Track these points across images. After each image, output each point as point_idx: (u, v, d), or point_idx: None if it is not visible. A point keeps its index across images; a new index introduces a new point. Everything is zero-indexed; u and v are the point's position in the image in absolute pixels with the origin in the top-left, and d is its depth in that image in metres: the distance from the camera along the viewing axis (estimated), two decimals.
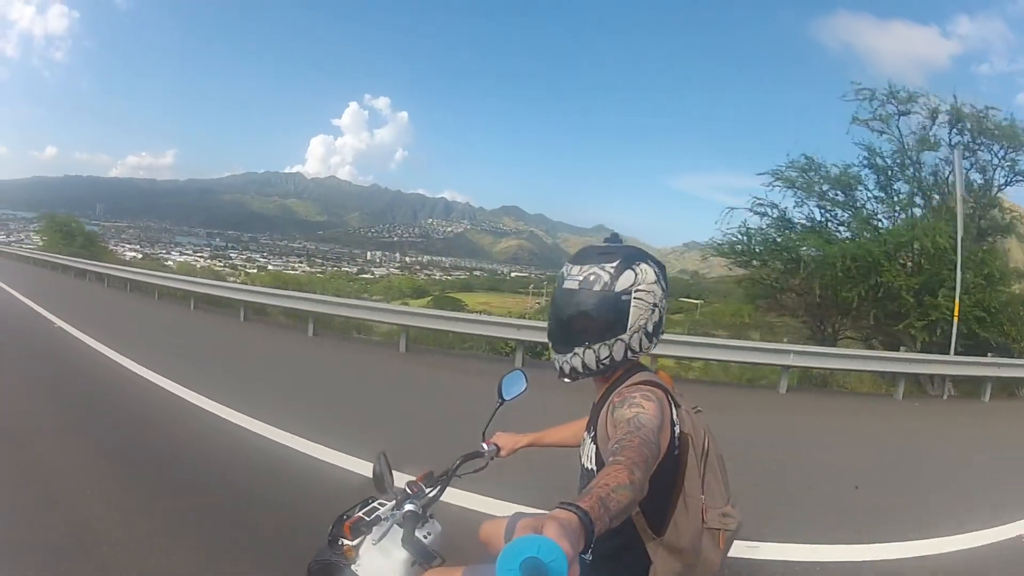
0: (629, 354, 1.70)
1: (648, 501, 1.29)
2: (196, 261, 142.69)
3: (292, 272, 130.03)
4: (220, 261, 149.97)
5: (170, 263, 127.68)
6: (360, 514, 2.09)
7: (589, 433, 1.76)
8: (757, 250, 16.06)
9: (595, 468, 1.69)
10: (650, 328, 1.69)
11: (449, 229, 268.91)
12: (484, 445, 2.30)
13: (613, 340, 1.68)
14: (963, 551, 4.13)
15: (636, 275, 1.65)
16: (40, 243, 39.78)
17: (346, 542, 2.07)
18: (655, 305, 1.68)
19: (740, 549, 3.61)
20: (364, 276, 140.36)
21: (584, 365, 1.72)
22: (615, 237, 1.77)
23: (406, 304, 20.85)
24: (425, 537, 2.02)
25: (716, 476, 1.72)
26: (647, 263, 1.68)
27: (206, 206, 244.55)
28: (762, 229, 16.43)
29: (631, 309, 1.66)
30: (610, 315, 1.66)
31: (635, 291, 1.65)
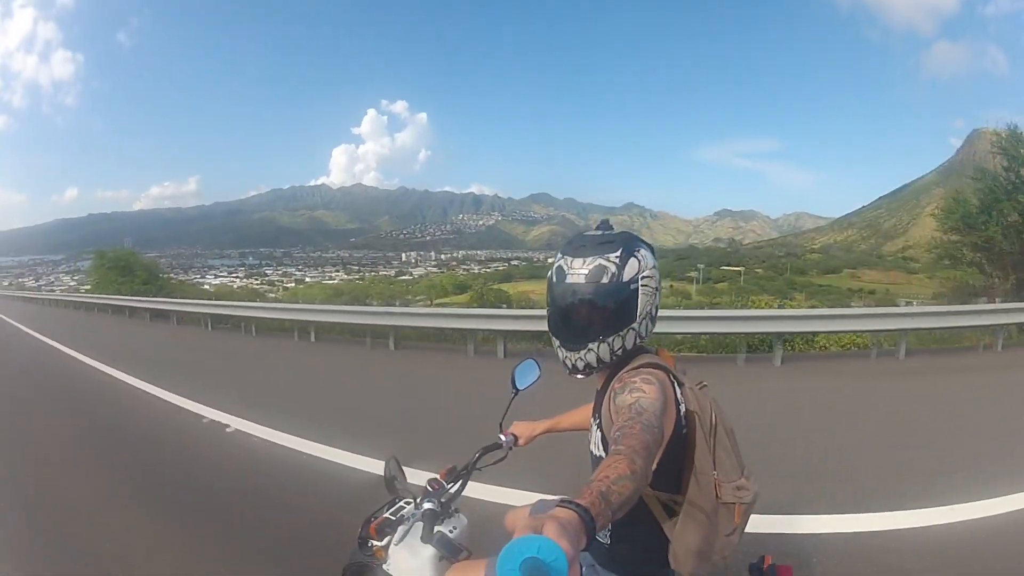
0: (638, 341, 1.70)
1: (660, 481, 1.33)
2: (232, 282, 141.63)
3: (330, 282, 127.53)
4: (256, 279, 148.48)
5: (207, 287, 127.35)
6: (386, 515, 2.18)
7: (595, 420, 1.77)
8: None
9: (603, 455, 1.70)
10: (654, 312, 1.70)
11: (480, 222, 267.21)
12: (502, 436, 2.34)
13: (626, 330, 1.67)
14: None
15: (640, 262, 1.64)
16: (89, 284, 35.53)
17: (375, 543, 2.17)
18: (656, 289, 1.68)
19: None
20: (403, 278, 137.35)
21: (599, 359, 1.71)
22: (606, 223, 1.76)
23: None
24: (451, 531, 2.12)
25: (727, 450, 1.71)
26: (644, 248, 1.68)
27: (234, 227, 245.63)
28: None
29: (639, 297, 1.65)
30: (621, 306, 1.65)
31: (641, 278, 1.65)
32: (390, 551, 2.15)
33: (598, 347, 1.69)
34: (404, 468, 2.27)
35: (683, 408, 1.66)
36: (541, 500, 2.34)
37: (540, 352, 6.24)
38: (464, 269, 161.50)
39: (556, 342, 1.75)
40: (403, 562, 2.12)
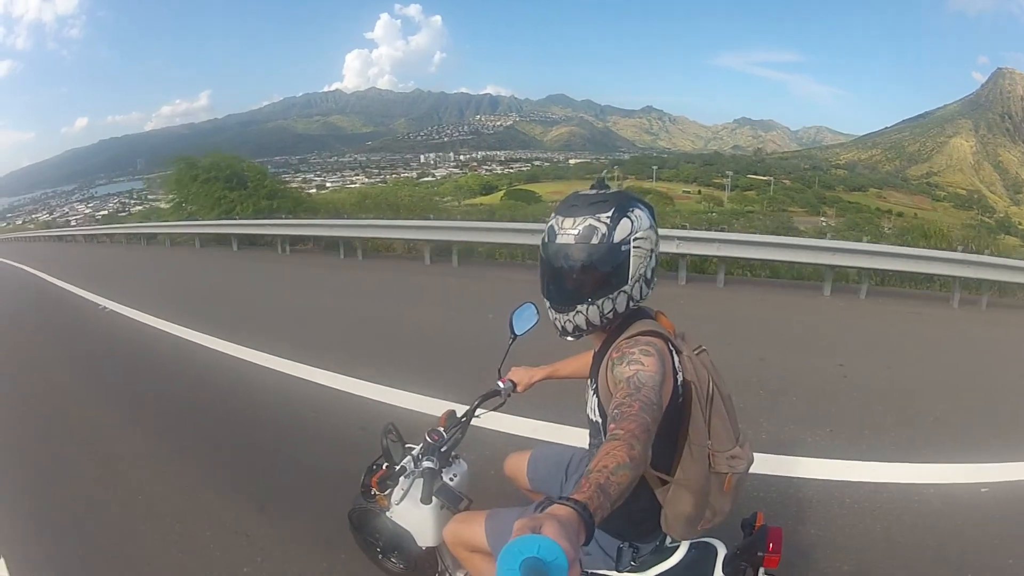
0: (631, 304, 1.67)
1: (655, 450, 1.30)
2: None
3: (351, 187, 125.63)
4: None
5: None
6: (385, 468, 2.22)
7: (591, 384, 1.76)
8: None
9: (599, 420, 1.71)
10: (649, 275, 1.66)
11: (498, 123, 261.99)
12: (500, 383, 2.34)
13: (616, 293, 1.64)
14: None
15: (632, 223, 1.60)
16: (168, 204, 26.00)
17: (377, 493, 2.24)
18: (651, 251, 1.64)
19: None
20: (426, 180, 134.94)
21: (588, 322, 1.69)
22: (601, 182, 1.72)
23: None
24: (452, 479, 2.20)
25: (723, 419, 1.71)
26: (640, 208, 1.63)
27: (249, 137, 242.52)
28: None
29: (631, 259, 1.61)
30: (611, 267, 1.62)
31: (633, 239, 1.60)
32: (393, 499, 2.20)
33: (587, 309, 1.66)
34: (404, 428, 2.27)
35: (680, 378, 1.65)
36: (539, 446, 2.45)
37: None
38: (486, 170, 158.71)
39: (547, 303, 1.73)
40: (406, 511, 2.19)
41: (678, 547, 1.84)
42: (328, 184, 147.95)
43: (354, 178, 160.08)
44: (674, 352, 1.66)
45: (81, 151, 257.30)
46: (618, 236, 1.58)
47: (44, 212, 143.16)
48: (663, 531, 1.79)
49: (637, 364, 1.48)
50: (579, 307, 1.67)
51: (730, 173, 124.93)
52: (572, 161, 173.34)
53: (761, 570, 1.82)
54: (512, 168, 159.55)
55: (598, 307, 1.65)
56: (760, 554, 1.80)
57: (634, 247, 1.60)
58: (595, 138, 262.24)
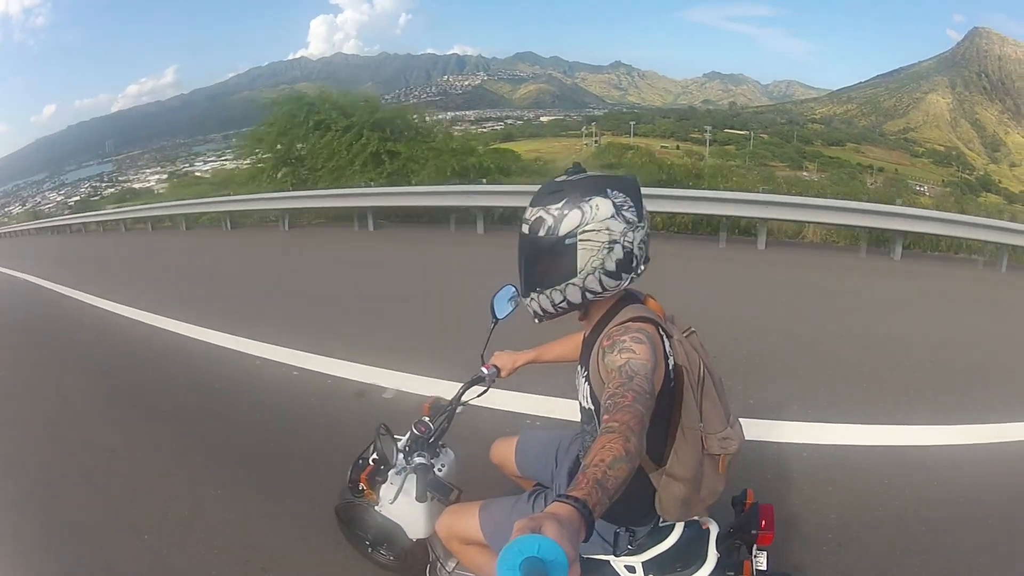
0: (589, 296, 1.67)
1: (648, 434, 1.30)
2: (223, 165, 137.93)
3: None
4: (246, 160, 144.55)
5: (199, 172, 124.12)
6: (373, 463, 2.24)
7: (582, 371, 1.78)
8: None
9: (591, 407, 1.73)
10: (611, 266, 1.63)
11: (466, 83, 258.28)
12: (484, 369, 2.33)
13: (565, 285, 1.66)
14: None
15: (584, 214, 1.59)
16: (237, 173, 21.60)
17: (366, 488, 2.25)
18: (613, 242, 1.60)
19: None
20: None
21: (543, 309, 1.74)
22: (577, 167, 1.71)
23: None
24: (440, 469, 2.21)
25: (714, 401, 1.73)
26: (602, 196, 1.59)
27: (216, 111, 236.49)
28: None
29: (578, 252, 1.61)
30: (555, 260, 1.64)
31: (581, 233, 1.59)
32: (382, 493, 2.21)
33: (539, 297, 1.72)
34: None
35: (671, 362, 1.67)
36: (525, 430, 2.48)
37: None
38: (457, 130, 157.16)
39: None
40: (397, 506, 2.16)
41: (673, 527, 1.91)
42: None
43: None
44: (664, 336, 1.69)
45: (51, 138, 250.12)
46: (564, 229, 1.60)
47: (16, 204, 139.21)
48: (658, 513, 1.84)
49: (629, 352, 1.48)
50: (532, 294, 1.74)
51: (708, 128, 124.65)
52: (544, 119, 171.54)
53: (755, 547, 1.90)
54: (484, 128, 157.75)
55: (548, 296, 1.70)
56: (753, 532, 1.88)
57: (581, 240, 1.59)
58: (564, 95, 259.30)
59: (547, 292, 1.70)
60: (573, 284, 1.65)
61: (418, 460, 2.08)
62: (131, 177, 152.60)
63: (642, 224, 1.63)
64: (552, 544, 0.80)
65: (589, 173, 1.68)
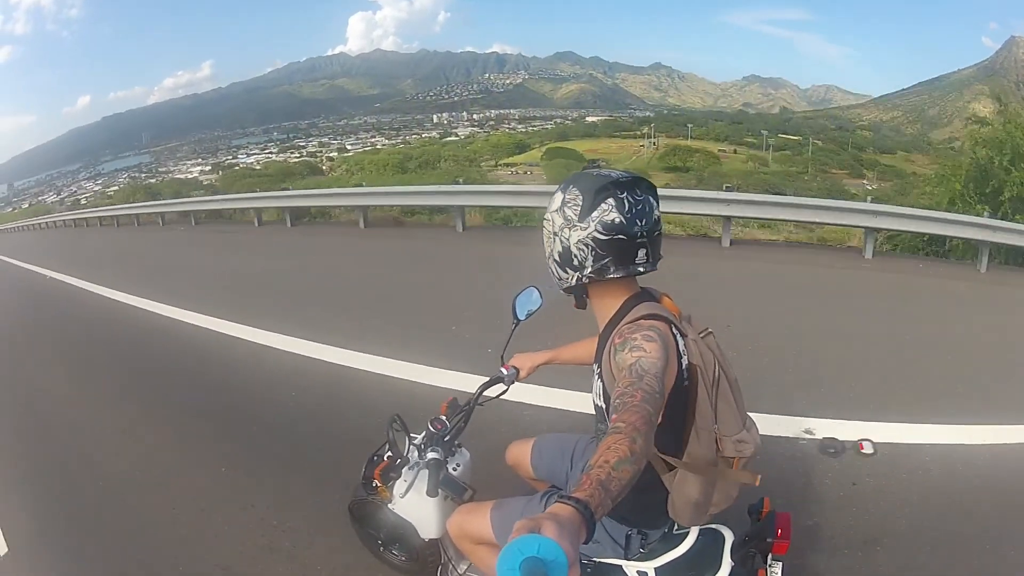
0: (557, 280, 1.75)
1: (661, 435, 1.32)
2: (267, 157, 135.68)
3: (370, 149, 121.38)
4: (293, 152, 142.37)
5: (240, 165, 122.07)
6: (387, 459, 2.27)
7: (595, 368, 1.76)
8: None
9: (604, 405, 1.71)
10: (556, 257, 1.69)
11: (507, 81, 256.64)
12: (503, 369, 2.34)
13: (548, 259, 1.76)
14: None
15: (550, 203, 1.69)
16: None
17: (380, 484, 2.27)
18: (555, 234, 1.66)
19: None
20: (450, 139, 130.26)
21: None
22: (592, 163, 1.84)
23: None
24: (455, 468, 2.22)
25: (729, 403, 1.71)
26: (560, 191, 1.67)
27: (255, 104, 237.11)
28: None
29: (543, 235, 1.73)
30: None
31: (544, 219, 1.72)
32: (395, 490, 2.21)
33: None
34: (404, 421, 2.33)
35: (685, 361, 1.65)
36: (542, 435, 2.44)
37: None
38: (508, 128, 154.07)
39: None
40: (409, 503, 2.19)
41: (687, 534, 1.86)
42: (348, 147, 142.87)
43: (371, 140, 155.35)
44: (678, 335, 1.65)
45: (84, 129, 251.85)
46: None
47: (51, 193, 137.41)
48: (671, 517, 1.78)
49: (639, 351, 1.46)
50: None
51: (764, 132, 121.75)
52: (591, 119, 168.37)
53: (770, 556, 1.84)
54: (534, 126, 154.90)
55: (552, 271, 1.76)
56: (769, 540, 1.83)
57: (543, 225, 1.72)
58: (605, 95, 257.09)
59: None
60: (548, 260, 1.74)
61: (431, 455, 2.06)
62: (171, 168, 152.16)
63: (582, 224, 1.59)
64: (552, 544, 0.81)
65: (598, 169, 1.73)
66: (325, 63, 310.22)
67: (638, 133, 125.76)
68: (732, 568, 1.80)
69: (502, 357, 2.34)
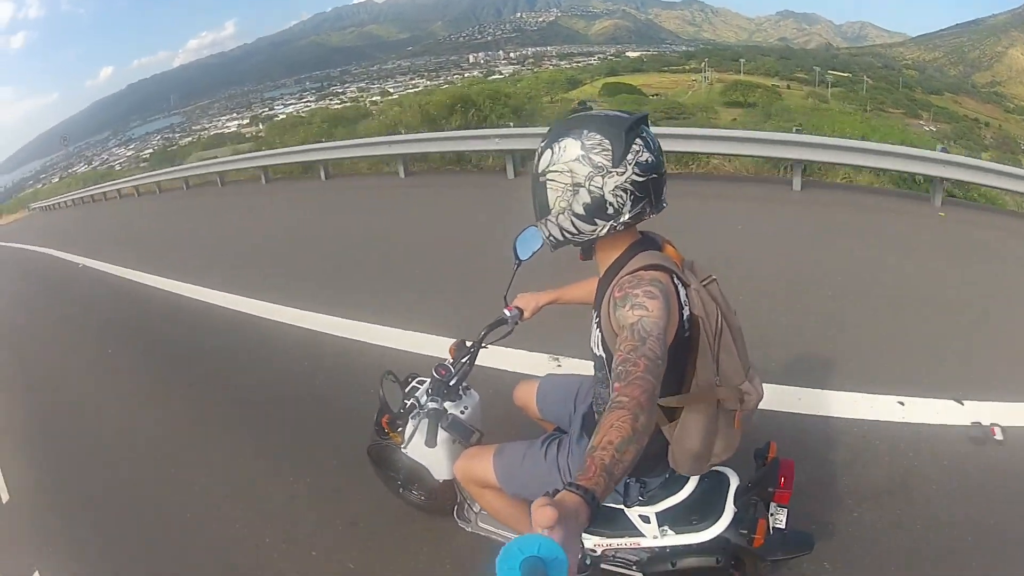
0: (568, 236, 1.66)
1: (661, 387, 1.30)
2: (307, 106, 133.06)
3: (414, 91, 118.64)
4: (333, 99, 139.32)
5: (280, 116, 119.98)
6: (391, 412, 2.36)
7: (595, 316, 1.73)
8: None
9: (603, 355, 1.70)
10: (579, 210, 1.59)
11: (540, 19, 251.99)
12: (506, 311, 2.34)
13: (544, 221, 1.68)
14: None
15: (553, 154, 1.59)
16: None
17: (389, 431, 2.38)
18: (578, 185, 1.56)
19: None
20: (495, 78, 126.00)
21: (546, 236, 1.75)
22: (582, 105, 1.80)
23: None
24: (463, 411, 2.27)
25: (731, 353, 1.69)
26: (573, 137, 1.56)
27: (283, 57, 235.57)
28: None
29: (548, 191, 1.63)
30: (536, 195, 1.67)
31: (548, 172, 1.60)
32: (406, 435, 2.29)
33: (539, 226, 1.74)
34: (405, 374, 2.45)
35: (687, 312, 1.62)
36: (549, 375, 2.49)
37: None
38: (551, 65, 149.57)
39: None
40: (419, 448, 2.24)
41: (688, 479, 1.85)
42: (391, 90, 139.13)
43: (411, 82, 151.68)
44: (680, 285, 1.63)
45: (108, 99, 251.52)
46: (540, 167, 1.62)
47: (82, 164, 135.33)
48: (671, 467, 1.78)
49: (641, 309, 1.43)
50: (538, 222, 1.74)
51: (817, 68, 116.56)
52: (631, 54, 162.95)
53: (773, 504, 1.84)
54: (577, 62, 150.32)
55: (542, 226, 1.71)
56: (771, 489, 1.82)
57: (549, 180, 1.60)
58: (640, 31, 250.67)
59: (540, 223, 1.70)
60: (551, 221, 1.65)
61: (431, 405, 2.11)
62: (206, 126, 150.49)
63: (619, 169, 1.52)
64: (552, 544, 0.81)
65: (593, 111, 1.64)
66: (352, 11, 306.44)
67: (686, 68, 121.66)
68: (735, 514, 1.80)
69: (505, 298, 2.32)
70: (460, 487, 2.36)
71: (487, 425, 2.33)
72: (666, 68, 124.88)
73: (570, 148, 1.54)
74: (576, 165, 1.53)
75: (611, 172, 1.51)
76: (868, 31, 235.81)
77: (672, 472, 1.81)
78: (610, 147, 1.50)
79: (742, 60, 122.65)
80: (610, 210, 1.56)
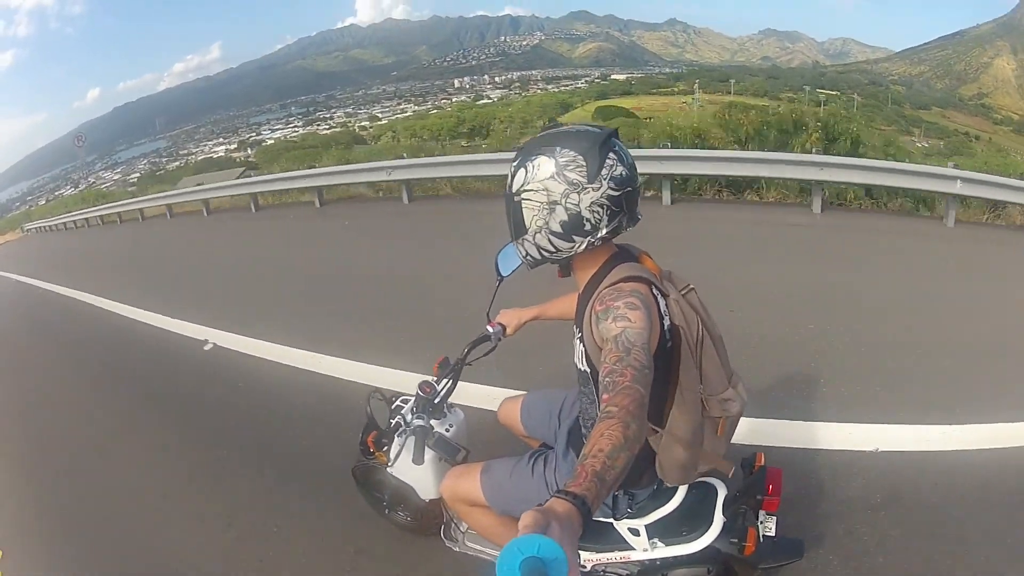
0: (546, 254, 1.65)
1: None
2: (295, 131, 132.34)
3: (403, 116, 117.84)
4: (322, 125, 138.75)
5: (268, 141, 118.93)
6: (378, 429, 2.36)
7: (577, 332, 1.72)
8: None
9: (587, 369, 1.69)
10: (556, 228, 1.58)
11: (524, 43, 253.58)
12: (489, 327, 2.32)
13: (522, 240, 1.67)
14: None
15: (527, 173, 1.57)
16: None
17: (375, 450, 2.36)
18: (554, 203, 1.55)
19: None
20: (484, 102, 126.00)
21: (522, 255, 1.73)
22: (552, 122, 1.76)
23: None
24: (448, 429, 2.26)
25: (714, 361, 1.68)
26: (547, 155, 1.55)
27: (269, 81, 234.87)
28: None
29: (523, 210, 1.61)
30: (512, 215, 1.65)
31: (523, 191, 1.59)
32: (391, 455, 2.27)
33: (515, 246, 1.72)
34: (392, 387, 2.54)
35: (667, 323, 1.62)
36: (532, 391, 2.43)
37: None
38: (540, 89, 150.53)
39: None
40: (405, 467, 2.22)
41: (676, 490, 1.86)
42: (379, 115, 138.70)
43: (399, 107, 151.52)
44: (659, 296, 1.62)
45: (96, 122, 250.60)
46: (514, 186, 1.60)
47: (68, 187, 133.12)
48: (659, 477, 1.78)
49: (624, 320, 1.43)
50: (515, 242, 1.73)
51: (807, 87, 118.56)
52: (615, 76, 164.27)
53: (761, 512, 1.86)
54: (565, 86, 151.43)
55: (519, 246, 1.69)
56: (759, 497, 1.84)
57: (524, 199, 1.58)
58: (624, 53, 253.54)
59: (517, 243, 1.69)
60: (528, 240, 1.64)
61: (417, 422, 2.10)
62: (192, 150, 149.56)
63: (594, 185, 1.51)
64: (552, 544, 0.81)
65: (563, 127, 1.63)
66: (336, 36, 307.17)
67: (675, 89, 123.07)
68: (724, 523, 1.81)
69: (487, 315, 2.30)
70: (447, 506, 2.32)
71: (473, 443, 2.26)
72: (655, 90, 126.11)
73: (544, 166, 1.53)
74: (551, 183, 1.53)
75: (587, 188, 1.51)
76: (851, 47, 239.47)
77: (660, 484, 1.81)
78: (584, 163, 1.50)
79: (732, 81, 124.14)
80: (587, 226, 1.56)
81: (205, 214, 15.38)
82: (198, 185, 18.04)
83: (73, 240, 20.72)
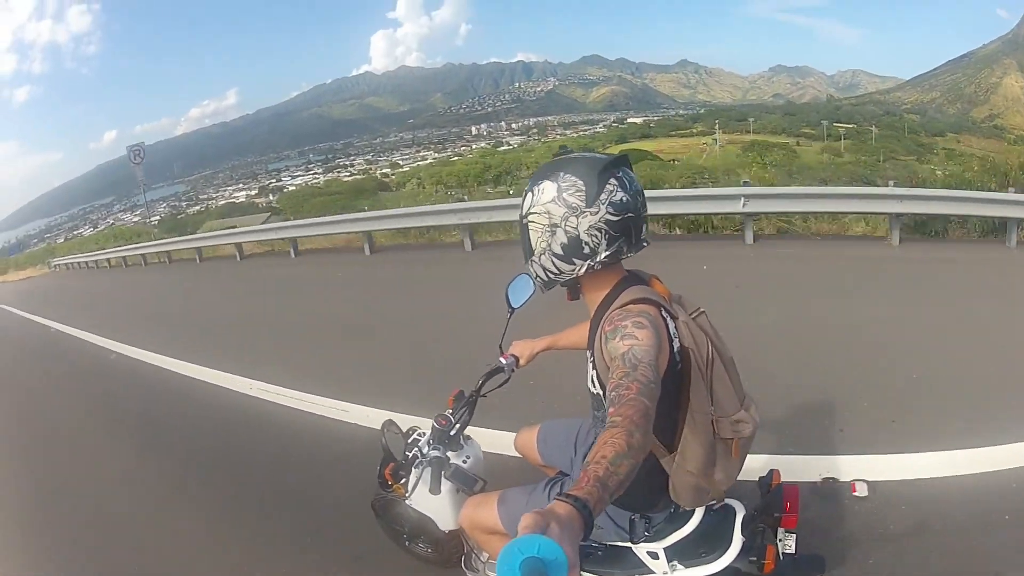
0: (551, 276, 1.70)
1: (657, 420, 1.30)
2: (315, 179, 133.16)
3: (425, 163, 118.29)
4: (342, 172, 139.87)
5: (289, 187, 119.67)
6: (397, 460, 2.34)
7: (588, 355, 1.75)
8: None
9: (599, 392, 1.69)
10: (558, 250, 1.63)
11: (538, 89, 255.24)
12: (502, 359, 2.36)
13: (530, 261, 1.73)
14: None
15: (533, 196, 1.64)
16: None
17: (392, 483, 2.36)
18: (555, 226, 1.61)
19: None
20: (504, 148, 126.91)
21: (532, 279, 1.82)
22: (563, 149, 1.78)
23: None
24: (465, 461, 2.26)
25: (725, 383, 1.69)
26: (550, 180, 1.61)
27: (286, 128, 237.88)
28: None
29: (530, 233, 1.67)
30: (522, 237, 1.72)
31: (530, 215, 1.65)
32: (409, 487, 2.30)
33: (528, 267, 1.79)
34: (406, 421, 2.47)
35: (677, 344, 1.64)
36: (548, 422, 2.42)
37: None
38: (558, 134, 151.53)
39: None
40: (423, 499, 2.25)
41: (693, 512, 1.86)
42: (400, 162, 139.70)
43: (420, 155, 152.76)
44: (668, 318, 1.64)
45: (112, 164, 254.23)
46: (523, 210, 1.68)
47: (87, 227, 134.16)
48: (672, 499, 1.78)
49: (631, 339, 1.45)
50: (526, 263, 1.79)
51: (824, 122, 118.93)
52: (632, 120, 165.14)
53: (780, 530, 1.84)
54: (584, 131, 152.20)
55: (528, 267, 1.77)
56: (777, 515, 1.83)
57: (529, 222, 1.65)
58: (637, 96, 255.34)
59: (527, 264, 1.75)
60: (535, 262, 1.70)
61: (433, 454, 2.10)
62: (212, 195, 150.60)
63: (592, 209, 1.56)
64: (552, 544, 0.81)
65: (573, 154, 1.69)
66: (352, 83, 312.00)
67: (693, 131, 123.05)
68: (743, 543, 1.80)
69: (500, 347, 2.35)
70: (466, 536, 2.30)
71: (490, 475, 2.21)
72: (674, 132, 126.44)
73: (547, 190, 1.59)
74: (552, 206, 1.58)
75: (584, 212, 1.56)
76: (861, 79, 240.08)
77: (677, 507, 1.80)
78: (584, 188, 1.55)
79: (751, 119, 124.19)
80: (586, 249, 1.60)
81: (238, 259, 14.66)
82: (231, 228, 17.44)
83: (104, 280, 19.82)
